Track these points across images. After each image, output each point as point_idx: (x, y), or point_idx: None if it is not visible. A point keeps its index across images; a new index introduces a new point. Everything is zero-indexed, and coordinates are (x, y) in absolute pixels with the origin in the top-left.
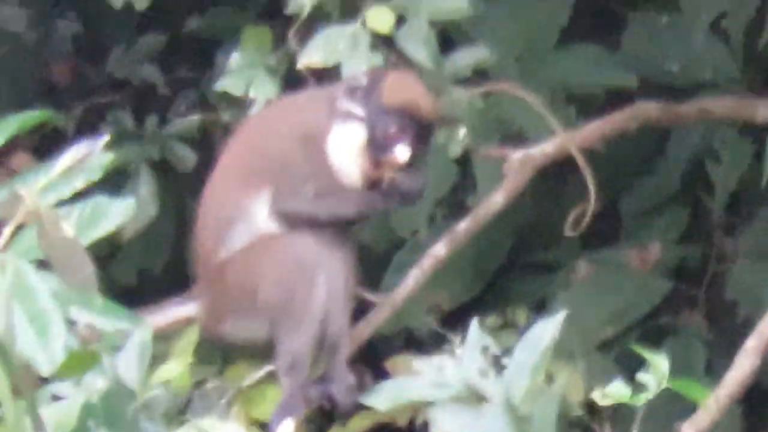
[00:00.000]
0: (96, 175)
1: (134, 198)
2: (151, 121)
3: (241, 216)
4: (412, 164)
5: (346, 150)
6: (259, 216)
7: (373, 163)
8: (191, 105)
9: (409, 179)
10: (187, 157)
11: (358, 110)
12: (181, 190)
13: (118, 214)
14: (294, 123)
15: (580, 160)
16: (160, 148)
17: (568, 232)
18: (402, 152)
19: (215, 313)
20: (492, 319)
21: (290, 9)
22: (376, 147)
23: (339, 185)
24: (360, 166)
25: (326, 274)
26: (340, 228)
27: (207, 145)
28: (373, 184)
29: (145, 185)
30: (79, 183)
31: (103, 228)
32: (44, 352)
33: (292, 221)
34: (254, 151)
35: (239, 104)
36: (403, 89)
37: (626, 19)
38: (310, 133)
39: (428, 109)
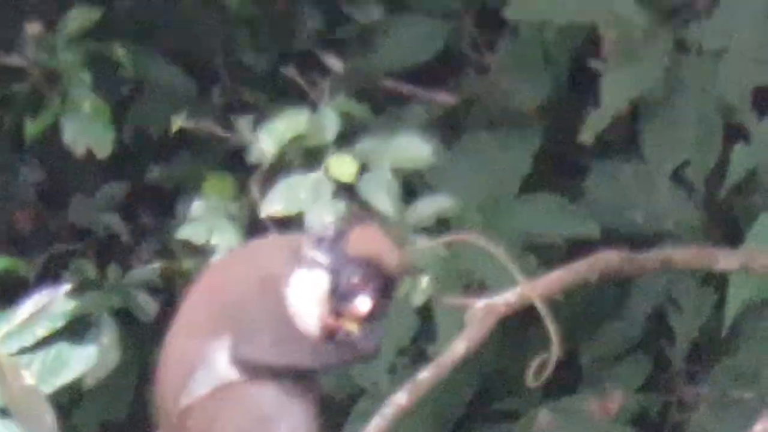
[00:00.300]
0: (58, 323)
1: (96, 347)
2: (113, 269)
3: (202, 363)
4: (372, 318)
5: (307, 297)
6: (220, 363)
7: (333, 313)
8: (153, 253)
9: (365, 335)
10: (148, 305)
11: (323, 258)
12: (143, 339)
13: (80, 362)
14: (254, 267)
15: (542, 310)
16: (122, 296)
17: (531, 382)
18: (363, 303)
19: None
20: None
21: (252, 158)
22: (338, 296)
23: (296, 334)
24: (319, 315)
25: (288, 424)
26: (301, 376)
27: (169, 293)
28: (330, 335)
29: (107, 334)
30: (40, 331)
31: (65, 376)
32: None
33: (251, 369)
34: (214, 296)
35: (201, 252)
36: (369, 241)
37: (589, 168)
38: (269, 277)
39: (393, 262)
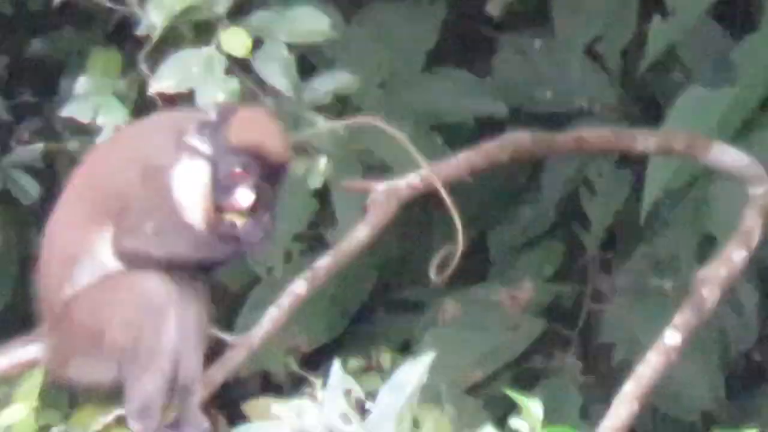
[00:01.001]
0: None
1: None
2: None
3: (86, 252)
4: (258, 209)
5: (190, 189)
6: (104, 253)
7: (215, 206)
8: (35, 133)
9: (250, 227)
10: (30, 188)
11: (205, 147)
12: (24, 223)
13: None
14: (136, 154)
15: (445, 196)
16: (1, 178)
17: (434, 276)
18: (244, 197)
19: (61, 354)
20: (355, 361)
21: (141, 30)
22: (219, 189)
23: (182, 224)
24: (203, 207)
25: (176, 312)
26: (189, 268)
27: (51, 175)
28: (215, 227)
29: None
30: None
31: None
32: None
33: (131, 260)
34: (96, 183)
35: (86, 132)
36: (253, 128)
37: (497, 42)
38: (152, 165)
39: (278, 150)
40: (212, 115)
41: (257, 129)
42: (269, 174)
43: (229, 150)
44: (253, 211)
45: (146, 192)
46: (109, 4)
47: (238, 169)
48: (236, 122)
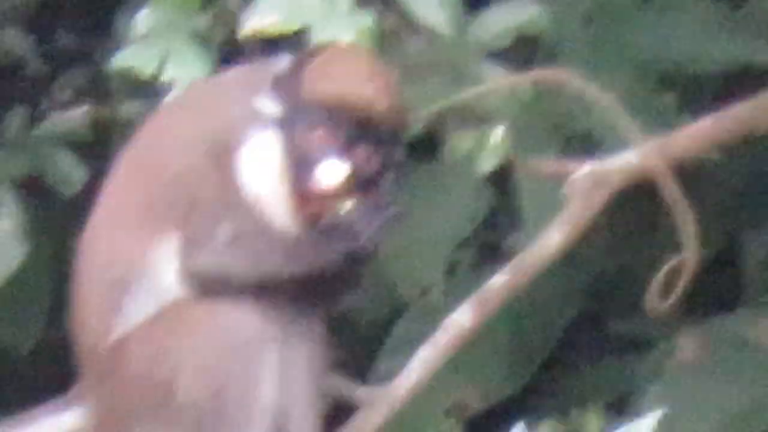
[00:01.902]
0: None
1: None
2: (17, 116)
3: (142, 273)
4: (368, 191)
5: (263, 172)
6: (167, 273)
7: (300, 191)
8: (78, 92)
9: (360, 213)
10: (72, 171)
11: (277, 110)
12: (63, 224)
13: None
14: (199, 128)
15: (671, 183)
16: (30, 158)
17: (652, 305)
18: (331, 170)
19: (111, 422)
20: (548, 425)
21: None
22: (299, 166)
23: (261, 225)
24: (283, 195)
25: (277, 357)
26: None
27: (102, 153)
28: (310, 223)
29: (8, 216)
30: None
31: None
32: None
33: (206, 283)
34: (151, 170)
35: (150, 91)
36: (337, 70)
37: None
38: (218, 143)
39: (376, 99)
40: (283, 64)
41: (343, 72)
42: (372, 141)
43: (306, 106)
44: (362, 193)
45: (214, 183)
46: None
47: (317, 132)
48: (315, 67)
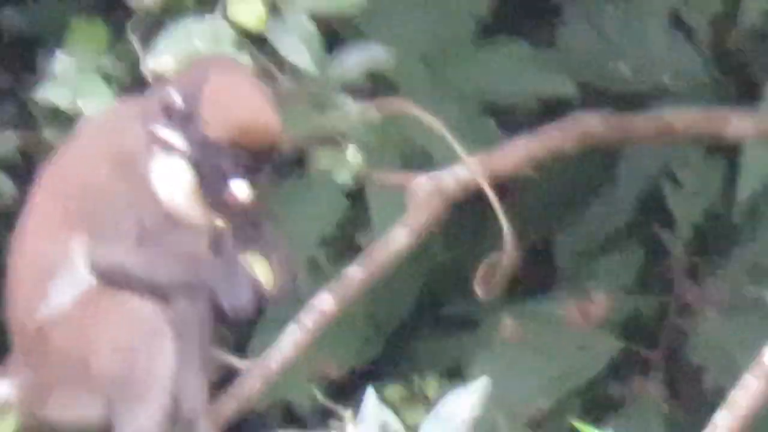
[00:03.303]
0: None
1: None
2: None
3: (63, 265)
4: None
5: (173, 189)
6: (82, 267)
7: (213, 206)
8: (8, 120)
9: (246, 228)
10: (3, 186)
11: (178, 141)
12: None
13: None
14: (105, 143)
15: (489, 191)
16: None
17: (479, 290)
18: (239, 190)
19: (37, 390)
20: (394, 390)
21: None
22: (209, 188)
23: (170, 222)
24: (197, 208)
25: (175, 334)
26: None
27: (28, 171)
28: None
29: None
30: None
31: None
32: None
33: (108, 277)
34: (66, 180)
35: (67, 119)
36: (231, 106)
37: (562, 9)
38: (124, 153)
39: (270, 128)
40: (177, 99)
41: (237, 110)
42: (267, 157)
43: (208, 145)
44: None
45: (118, 191)
46: None
47: (223, 162)
48: (208, 102)
